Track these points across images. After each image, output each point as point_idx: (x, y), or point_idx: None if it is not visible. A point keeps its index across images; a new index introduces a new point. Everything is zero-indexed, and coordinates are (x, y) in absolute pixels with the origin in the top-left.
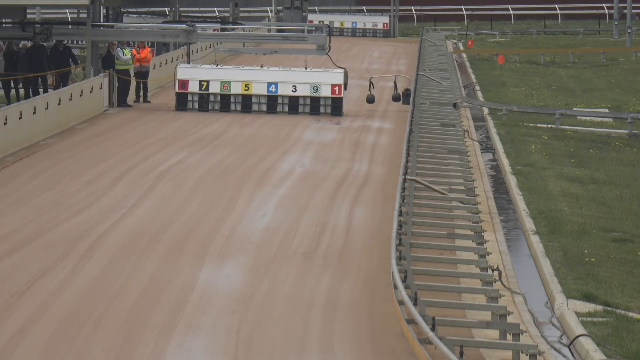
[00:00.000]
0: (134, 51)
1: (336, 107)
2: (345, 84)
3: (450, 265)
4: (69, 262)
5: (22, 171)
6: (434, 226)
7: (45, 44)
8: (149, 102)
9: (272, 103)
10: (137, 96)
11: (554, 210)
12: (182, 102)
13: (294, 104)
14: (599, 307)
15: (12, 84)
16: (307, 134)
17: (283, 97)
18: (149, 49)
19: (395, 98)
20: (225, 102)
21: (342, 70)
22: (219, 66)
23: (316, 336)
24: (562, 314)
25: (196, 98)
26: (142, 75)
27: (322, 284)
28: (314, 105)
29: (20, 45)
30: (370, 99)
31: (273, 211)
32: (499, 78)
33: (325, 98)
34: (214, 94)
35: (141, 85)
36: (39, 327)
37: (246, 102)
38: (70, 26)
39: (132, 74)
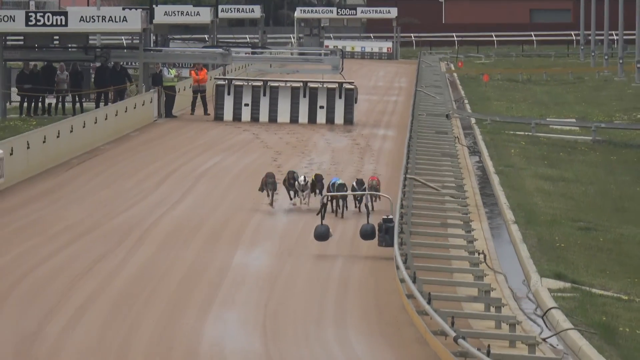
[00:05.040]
0: (193, 72)
1: (348, 118)
2: (356, 98)
3: (443, 249)
4: (123, 248)
5: (84, 171)
6: (429, 217)
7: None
8: (209, 114)
9: (294, 116)
10: (193, 109)
11: (530, 203)
12: (219, 112)
13: (312, 115)
14: (568, 285)
15: (77, 98)
16: (324, 140)
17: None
18: (206, 71)
19: (367, 233)
20: (255, 112)
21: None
22: (249, 83)
23: (331, 309)
24: (536, 290)
25: (231, 109)
26: (199, 92)
27: (335, 266)
28: (330, 117)
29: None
30: (320, 234)
31: (298, 202)
32: (484, 93)
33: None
34: (246, 106)
35: (201, 100)
36: (99, 303)
37: (273, 114)
38: (125, 50)
39: (177, 90)
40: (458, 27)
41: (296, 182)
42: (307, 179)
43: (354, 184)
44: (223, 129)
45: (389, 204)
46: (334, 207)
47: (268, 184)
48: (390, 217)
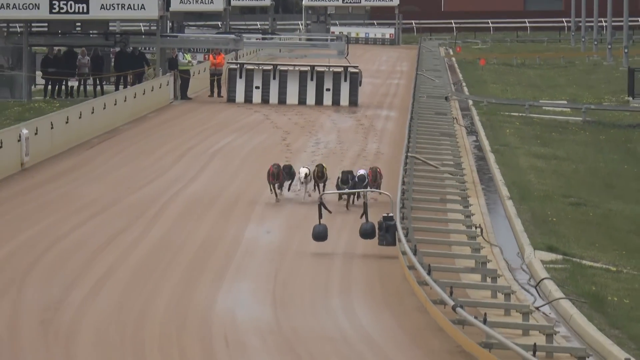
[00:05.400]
0: (210, 57)
1: (353, 100)
2: (360, 81)
3: (442, 223)
4: (141, 222)
5: (105, 150)
6: (429, 193)
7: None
8: (222, 96)
9: (302, 98)
10: (212, 91)
11: (524, 180)
12: (231, 95)
13: (319, 97)
14: (559, 257)
15: (98, 82)
16: (330, 121)
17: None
18: (223, 55)
19: (366, 232)
20: (265, 94)
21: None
22: (260, 67)
23: (337, 279)
24: (530, 262)
25: (242, 92)
26: (216, 75)
27: (342, 239)
28: (336, 99)
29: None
30: (319, 234)
31: (303, 181)
32: (481, 77)
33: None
34: (256, 88)
35: (215, 83)
36: (119, 273)
37: (282, 96)
38: (143, 36)
39: (192, 73)
40: (456, 14)
41: (297, 177)
42: (308, 173)
43: (347, 177)
44: (235, 110)
45: (389, 201)
46: (352, 200)
47: (284, 176)
48: (391, 215)
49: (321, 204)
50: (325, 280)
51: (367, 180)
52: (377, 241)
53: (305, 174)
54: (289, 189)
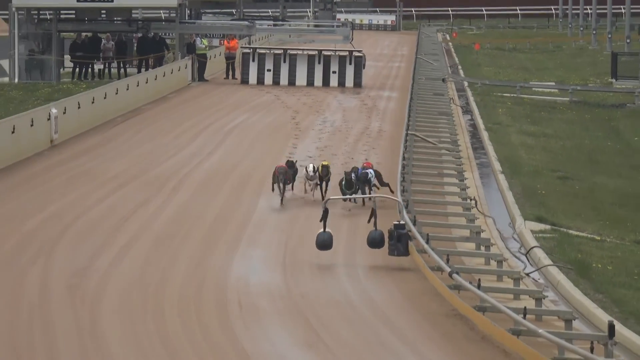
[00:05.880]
0: (225, 42)
1: (357, 82)
2: (364, 64)
3: (440, 196)
4: (162, 194)
5: (129, 128)
6: (428, 168)
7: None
8: (236, 78)
9: (310, 79)
10: (227, 74)
11: (515, 156)
12: (245, 77)
13: (326, 79)
14: (548, 227)
15: (121, 65)
16: (336, 101)
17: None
18: (237, 40)
19: (375, 241)
20: (276, 76)
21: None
22: (271, 51)
23: (342, 247)
24: (520, 231)
25: (255, 74)
26: (231, 58)
27: (346, 207)
28: (341, 81)
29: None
30: (323, 243)
31: (313, 154)
32: (476, 60)
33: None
34: (268, 71)
35: (229, 66)
36: (141, 241)
37: (291, 78)
38: (163, 22)
39: (209, 57)
40: (453, 2)
41: (304, 172)
42: (316, 168)
43: (351, 176)
44: (248, 91)
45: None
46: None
47: (280, 175)
48: (402, 222)
49: (325, 211)
50: (332, 249)
51: (371, 178)
52: (380, 212)
53: (314, 168)
54: (292, 189)
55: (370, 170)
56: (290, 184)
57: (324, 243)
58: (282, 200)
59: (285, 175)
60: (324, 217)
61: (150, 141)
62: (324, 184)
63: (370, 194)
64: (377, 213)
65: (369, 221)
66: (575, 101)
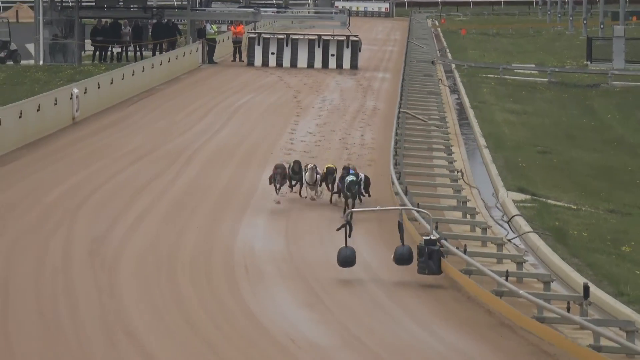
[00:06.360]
0: (232, 27)
1: (353, 64)
2: (360, 48)
3: (429, 168)
4: (175, 168)
5: (144, 106)
6: (418, 143)
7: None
8: (242, 61)
9: (311, 62)
10: (234, 56)
11: (498, 132)
12: (250, 60)
13: (325, 62)
14: (528, 197)
15: (138, 48)
16: (334, 82)
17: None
18: (243, 26)
19: (402, 258)
20: (279, 59)
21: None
22: (275, 36)
23: (340, 220)
24: (503, 201)
25: (260, 57)
26: (237, 42)
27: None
28: (339, 63)
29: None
30: (346, 259)
31: (313, 130)
32: (462, 44)
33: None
34: (272, 54)
35: (236, 50)
36: (155, 211)
37: (293, 61)
38: (176, 9)
39: (217, 41)
40: None
41: (304, 177)
42: (317, 174)
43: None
44: (254, 72)
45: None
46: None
47: (276, 175)
48: (433, 237)
49: (347, 224)
50: (330, 220)
51: (359, 182)
52: (373, 180)
53: (315, 171)
54: (300, 194)
55: (361, 175)
56: (291, 186)
57: (347, 260)
58: (277, 191)
59: (283, 173)
60: (346, 230)
61: (164, 118)
62: (330, 185)
63: (360, 200)
64: (403, 227)
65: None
66: (554, 82)
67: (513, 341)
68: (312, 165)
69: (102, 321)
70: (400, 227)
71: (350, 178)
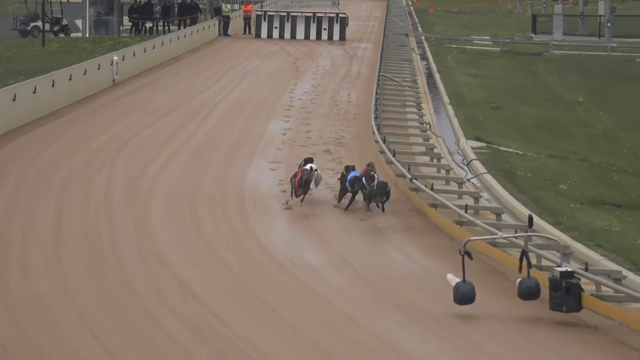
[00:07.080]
0: (243, 6)
1: (342, 36)
2: (347, 23)
3: (403, 121)
4: (196, 121)
5: (170, 72)
6: (394, 100)
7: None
8: (251, 33)
9: (307, 34)
10: (245, 30)
11: (460, 92)
12: (258, 33)
13: (318, 34)
14: (484, 144)
15: (166, 24)
16: (326, 51)
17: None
18: (252, 5)
19: (530, 292)
20: (281, 32)
21: (345, 13)
22: (278, 13)
23: (335, 166)
24: (463, 148)
25: (265, 30)
26: (247, 19)
27: (333, 130)
28: (330, 35)
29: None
30: (464, 296)
31: (309, 90)
32: (430, 20)
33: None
34: (275, 28)
35: (246, 24)
36: (180, 156)
37: (293, 33)
38: None
39: (231, 18)
40: None
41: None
42: (316, 173)
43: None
44: (261, 43)
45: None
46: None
47: (305, 182)
48: (569, 269)
49: (466, 254)
50: (323, 162)
51: (375, 182)
52: (359, 131)
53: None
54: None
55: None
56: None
57: (465, 297)
58: (301, 198)
59: (308, 178)
60: (463, 262)
61: (187, 80)
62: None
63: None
64: (529, 256)
65: (520, 269)
66: (505, 51)
67: (471, 262)
68: (310, 167)
69: (136, 244)
70: (525, 255)
71: (354, 173)
